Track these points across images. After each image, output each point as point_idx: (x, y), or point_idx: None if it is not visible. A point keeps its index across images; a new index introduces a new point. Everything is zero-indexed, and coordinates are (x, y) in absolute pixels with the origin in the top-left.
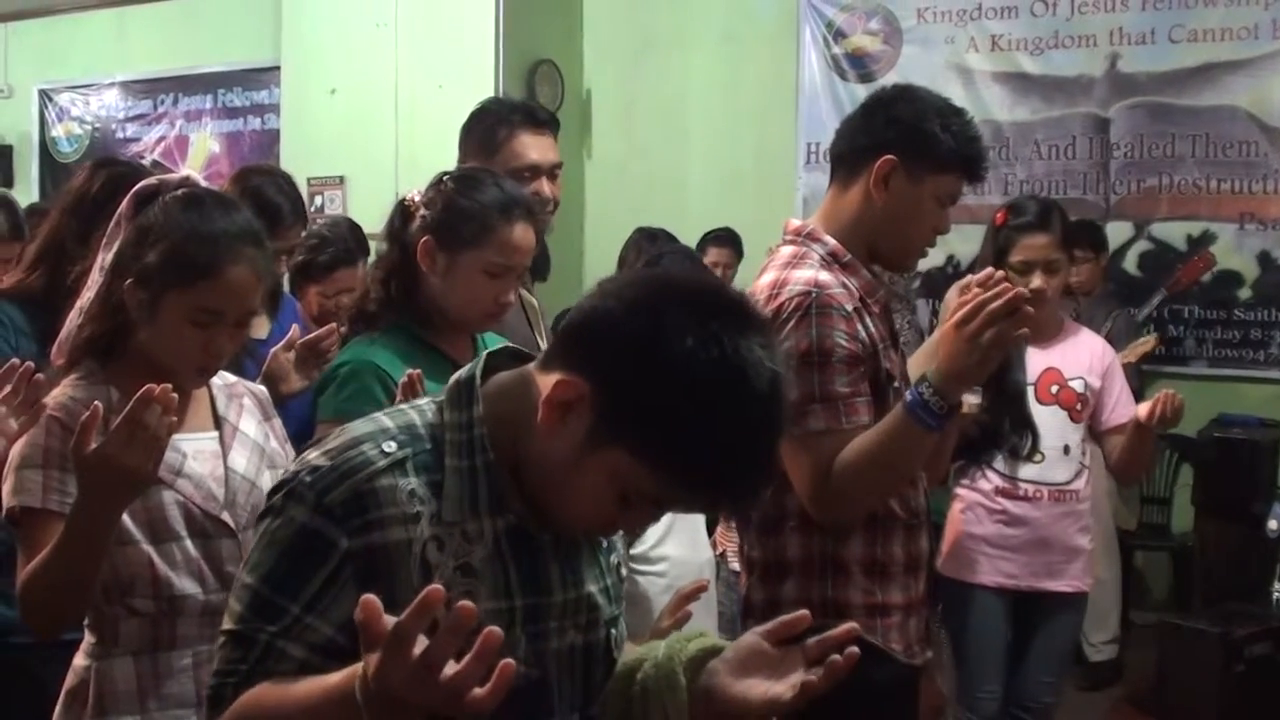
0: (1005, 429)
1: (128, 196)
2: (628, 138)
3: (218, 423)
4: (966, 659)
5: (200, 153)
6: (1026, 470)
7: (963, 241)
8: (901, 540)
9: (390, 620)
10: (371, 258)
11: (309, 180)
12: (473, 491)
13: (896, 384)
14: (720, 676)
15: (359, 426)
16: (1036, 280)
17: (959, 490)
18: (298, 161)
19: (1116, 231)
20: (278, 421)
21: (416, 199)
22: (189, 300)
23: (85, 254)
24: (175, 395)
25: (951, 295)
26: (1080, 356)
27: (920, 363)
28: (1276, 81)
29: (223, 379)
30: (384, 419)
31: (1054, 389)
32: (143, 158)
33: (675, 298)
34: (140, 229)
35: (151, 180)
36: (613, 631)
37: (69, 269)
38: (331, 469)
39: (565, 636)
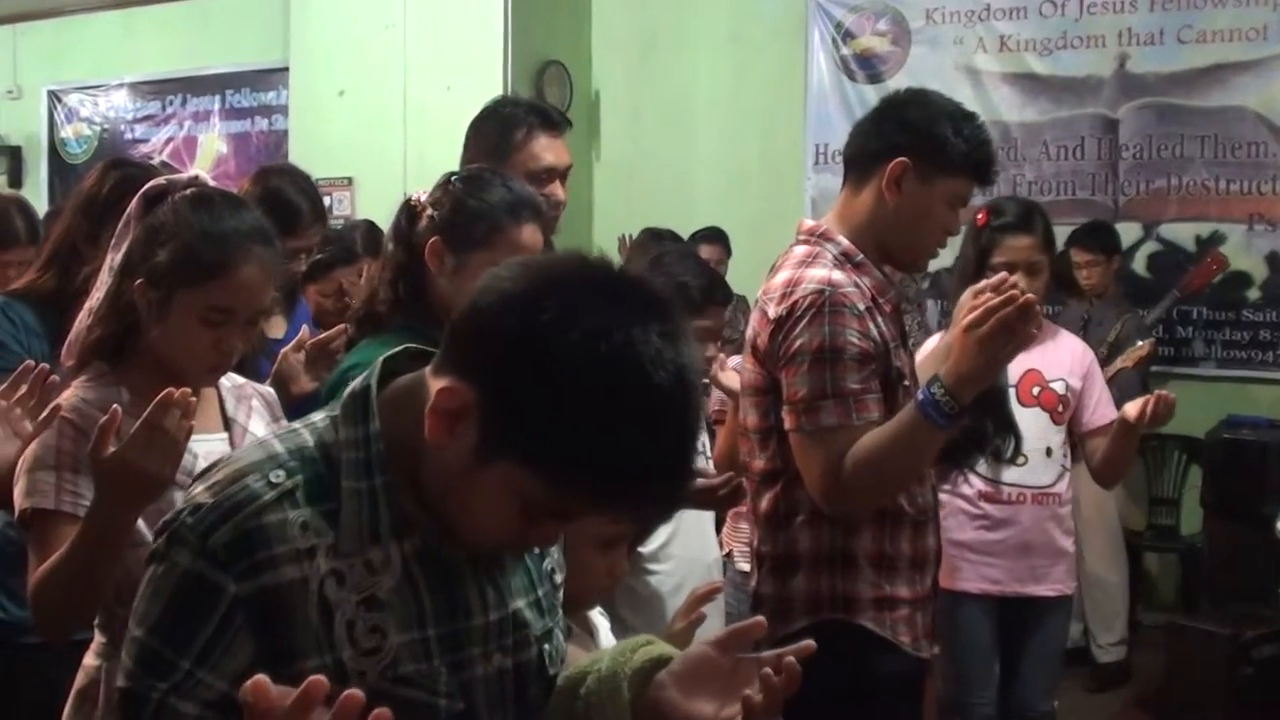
0: (988, 432)
1: (136, 196)
2: (636, 139)
3: (227, 424)
4: (955, 666)
5: (208, 154)
6: (1009, 473)
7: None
8: (909, 536)
9: (280, 693)
10: None
11: (317, 181)
12: (373, 516)
13: (906, 382)
14: (668, 691)
15: (247, 454)
16: (1020, 282)
17: (940, 496)
18: (306, 162)
19: (1125, 232)
20: (285, 423)
21: (422, 199)
22: (199, 299)
23: (97, 255)
24: (194, 399)
25: (965, 298)
26: (1060, 358)
27: (930, 365)
28: None
29: (231, 380)
30: (274, 443)
31: (1035, 390)
32: (151, 158)
33: (558, 286)
34: (150, 229)
35: (160, 180)
36: (546, 648)
37: (80, 269)
38: (214, 507)
39: (491, 661)
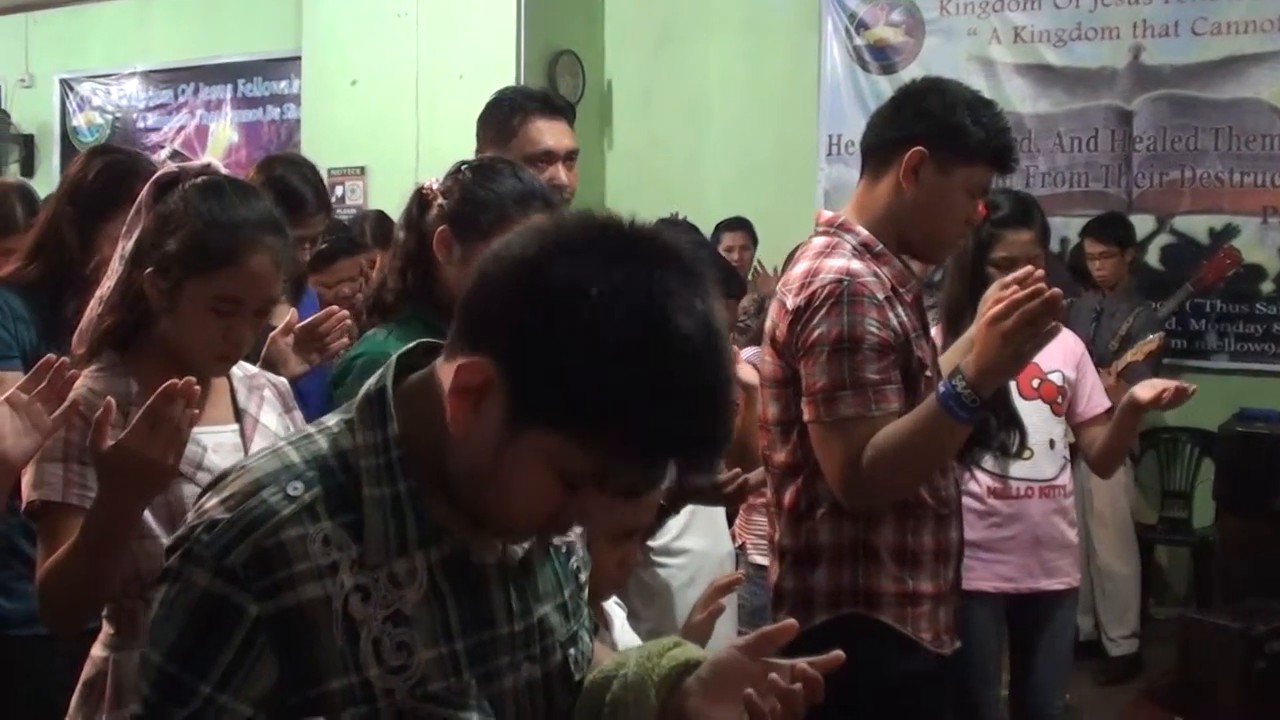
0: (992, 427)
1: (148, 184)
2: (648, 128)
3: (238, 415)
4: (965, 666)
5: (220, 142)
6: (1017, 468)
7: None
8: (931, 529)
9: None
10: None
11: (329, 170)
12: (399, 525)
13: (928, 373)
14: (694, 699)
15: (262, 465)
16: None
17: None
18: (318, 152)
19: (1139, 225)
20: (299, 414)
21: (434, 187)
22: (209, 288)
23: (83, 242)
24: (198, 388)
25: (992, 291)
26: (1054, 349)
27: (954, 358)
28: None
29: (243, 370)
30: (290, 452)
31: (1035, 383)
32: (162, 147)
33: (570, 245)
34: (160, 217)
35: (171, 168)
36: (571, 653)
37: (67, 256)
38: (230, 524)
39: (520, 671)
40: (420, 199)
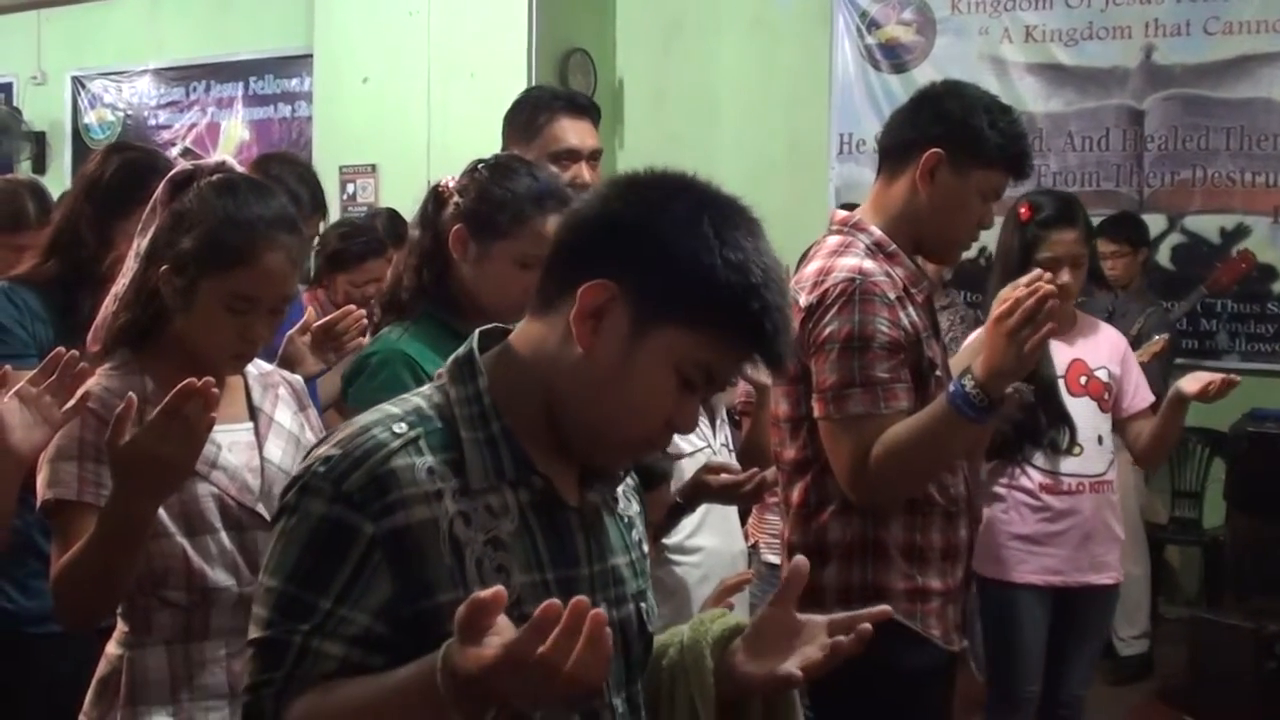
0: (1041, 424)
1: (164, 181)
2: (660, 126)
3: (253, 413)
4: (1010, 659)
5: (231, 140)
6: (1067, 464)
7: (995, 235)
8: (940, 527)
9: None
10: None
11: (341, 168)
12: (495, 459)
13: (938, 373)
14: (740, 656)
15: (365, 416)
16: (1065, 275)
17: (998, 489)
18: (330, 150)
19: (1150, 224)
20: (313, 412)
21: (451, 185)
22: (224, 286)
23: (100, 239)
24: (217, 391)
25: (1003, 293)
26: (1100, 346)
27: (966, 358)
28: None
29: (258, 368)
30: (389, 406)
31: (1083, 380)
32: (174, 144)
33: (646, 183)
34: (176, 215)
35: (187, 166)
36: (643, 605)
37: (84, 254)
38: (344, 456)
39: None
40: (436, 197)
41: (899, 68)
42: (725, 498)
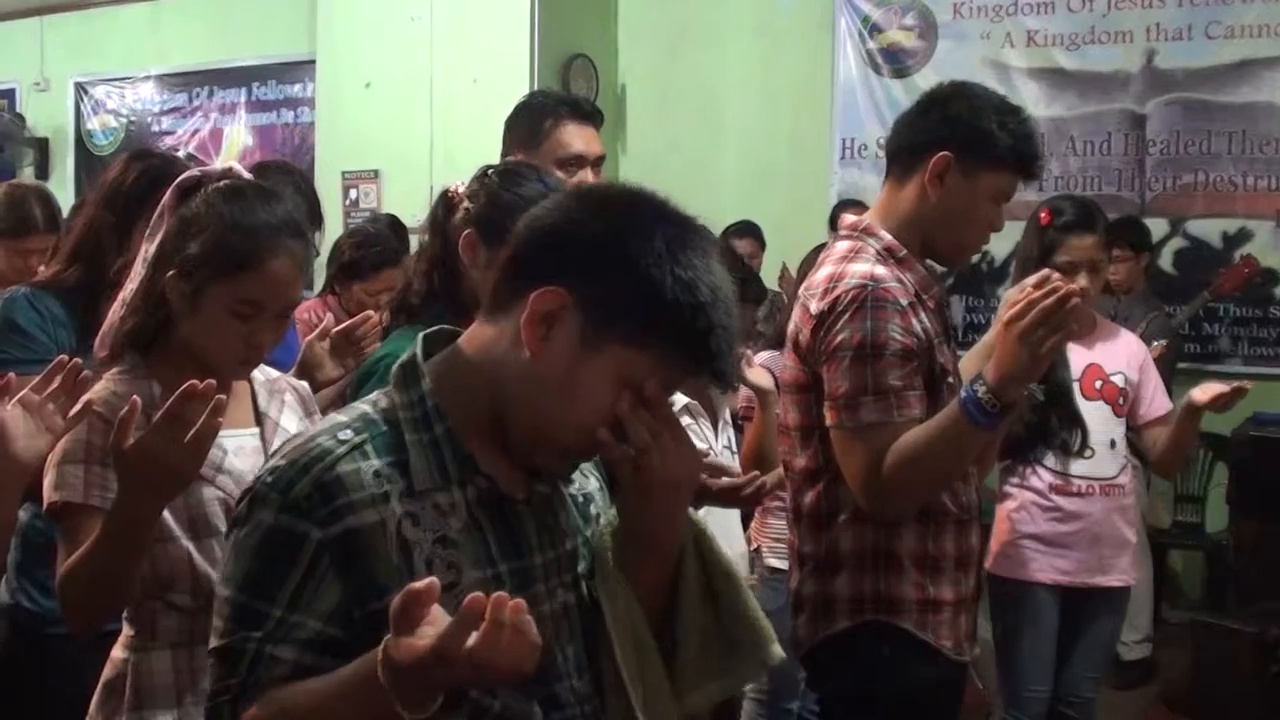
0: (1054, 426)
1: (170, 188)
2: (662, 132)
3: (259, 419)
4: (1017, 657)
5: (234, 146)
6: (1078, 466)
7: (997, 238)
8: (953, 535)
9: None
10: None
11: (343, 174)
12: (439, 460)
13: (950, 379)
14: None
15: (313, 428)
16: (1082, 280)
17: (1009, 489)
18: (332, 155)
19: (1152, 229)
20: (319, 417)
21: (460, 190)
22: (231, 292)
23: (121, 246)
24: (223, 397)
25: (1011, 295)
26: (1118, 352)
27: (974, 362)
28: None
29: (264, 374)
30: (336, 416)
31: (1098, 384)
32: (177, 150)
33: (602, 194)
34: (183, 220)
35: (194, 172)
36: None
37: (105, 261)
38: (290, 465)
39: (556, 597)
40: (446, 202)
41: (901, 72)
42: (725, 501)
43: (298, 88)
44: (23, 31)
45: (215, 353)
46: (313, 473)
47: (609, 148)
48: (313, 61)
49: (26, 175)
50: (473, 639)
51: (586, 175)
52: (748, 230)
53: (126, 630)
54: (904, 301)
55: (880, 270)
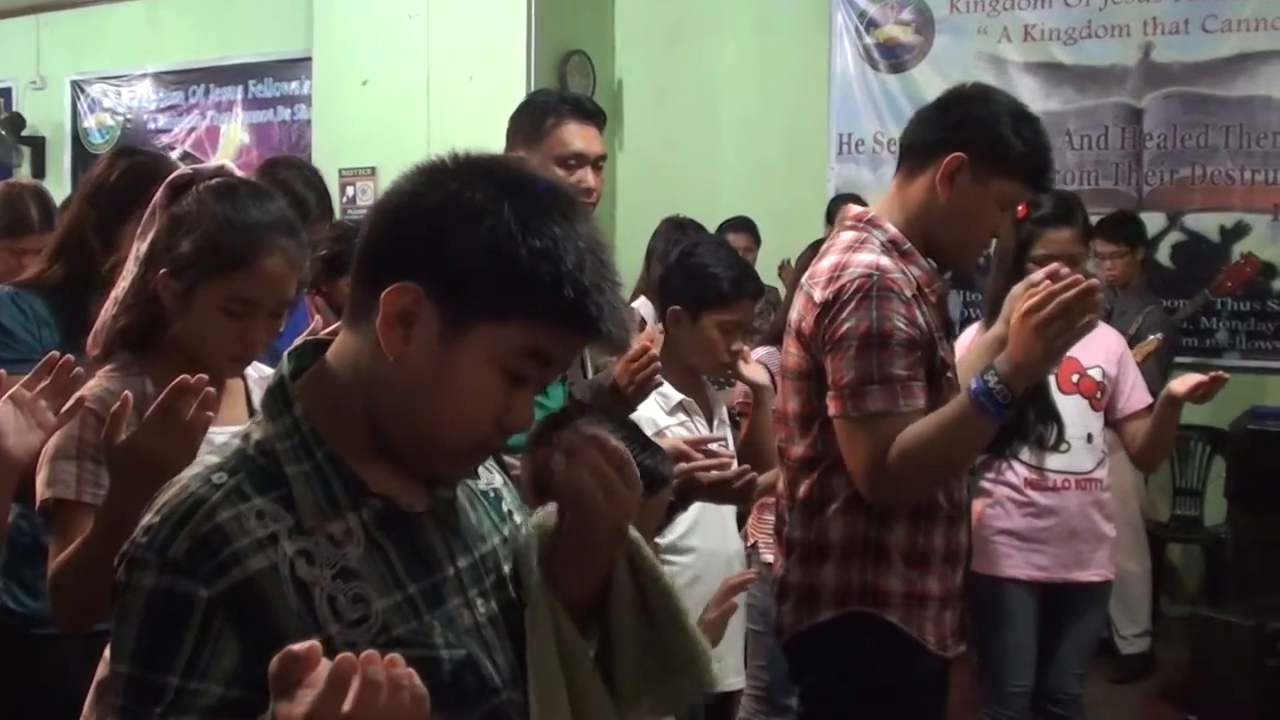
0: (1029, 419)
1: (163, 186)
2: (659, 128)
3: (252, 416)
4: (998, 653)
5: (231, 143)
6: (1053, 460)
7: None
8: (943, 531)
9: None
10: None
11: (340, 171)
12: (326, 489)
13: (950, 374)
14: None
15: (184, 474)
16: None
17: (984, 484)
18: (329, 152)
19: (1149, 223)
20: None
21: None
22: (223, 290)
23: (106, 244)
24: (213, 390)
25: (1018, 289)
26: (1096, 345)
27: (975, 358)
28: None
29: (258, 371)
30: (208, 458)
31: (1074, 378)
32: (173, 148)
33: (441, 168)
34: (174, 218)
35: (186, 169)
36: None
37: (90, 259)
38: (164, 521)
39: (475, 608)
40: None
41: (897, 68)
42: (716, 495)
43: (294, 85)
44: (19, 30)
45: (207, 351)
46: (189, 525)
47: (606, 145)
48: (309, 59)
49: (22, 174)
50: (349, 701)
51: (586, 173)
52: (742, 225)
53: None
54: (908, 293)
55: (885, 261)
